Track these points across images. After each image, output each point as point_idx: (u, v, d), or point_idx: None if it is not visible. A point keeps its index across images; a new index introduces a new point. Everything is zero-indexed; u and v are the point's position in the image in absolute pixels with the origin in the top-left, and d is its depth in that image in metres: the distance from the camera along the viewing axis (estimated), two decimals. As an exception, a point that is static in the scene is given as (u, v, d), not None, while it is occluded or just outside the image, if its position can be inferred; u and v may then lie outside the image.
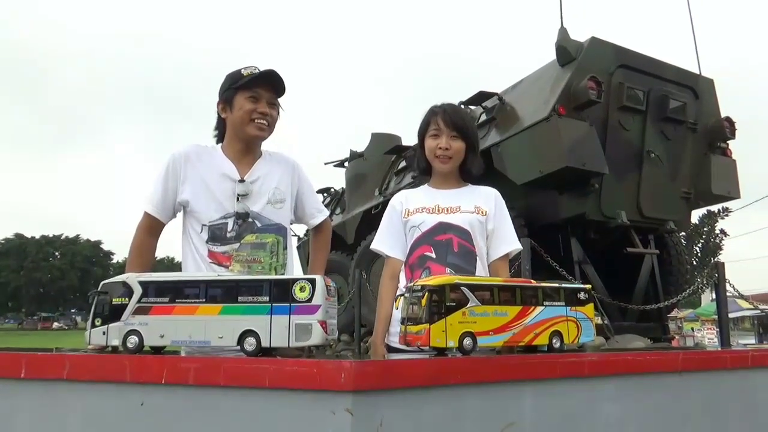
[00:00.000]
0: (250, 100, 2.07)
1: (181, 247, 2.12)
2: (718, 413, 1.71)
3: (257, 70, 2.08)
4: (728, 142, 5.80)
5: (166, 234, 2.19)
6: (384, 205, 2.27)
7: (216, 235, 2.04)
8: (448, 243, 2.00)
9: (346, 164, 8.67)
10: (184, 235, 2.12)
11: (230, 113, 2.11)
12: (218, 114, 2.17)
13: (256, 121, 2.07)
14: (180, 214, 2.14)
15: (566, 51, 4.97)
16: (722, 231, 23.99)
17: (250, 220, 2.05)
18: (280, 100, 2.16)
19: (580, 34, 5.13)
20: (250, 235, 1.96)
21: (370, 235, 6.73)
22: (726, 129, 5.64)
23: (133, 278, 1.37)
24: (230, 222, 2.04)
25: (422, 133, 2.12)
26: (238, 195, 2.06)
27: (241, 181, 2.08)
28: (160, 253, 2.24)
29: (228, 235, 2.03)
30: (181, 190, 2.08)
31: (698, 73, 5.70)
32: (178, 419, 1.23)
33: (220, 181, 2.07)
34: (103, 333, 1.35)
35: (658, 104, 5.28)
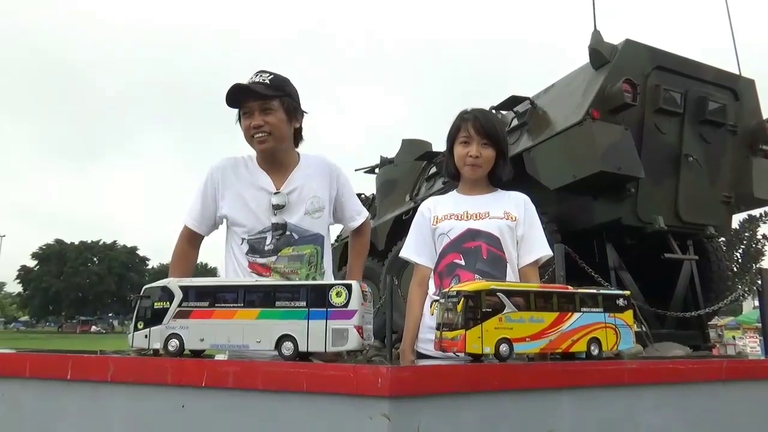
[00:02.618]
0: (245, 116, 2.06)
1: (224, 257, 2.15)
2: (763, 424, 1.66)
3: (252, 79, 2.04)
4: (771, 144, 5.62)
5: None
6: (415, 210, 2.25)
7: (255, 248, 2.04)
8: (477, 250, 1.98)
9: (376, 170, 8.71)
10: (227, 246, 2.14)
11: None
12: None
13: (254, 136, 2.05)
14: (222, 226, 2.18)
15: (600, 54, 4.90)
16: (764, 236, 23.20)
17: (287, 232, 2.04)
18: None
19: (614, 37, 5.06)
20: (287, 248, 1.97)
21: (401, 241, 6.72)
22: (768, 131, 5.47)
23: (173, 283, 1.41)
24: (268, 236, 2.04)
25: (452, 139, 2.10)
26: (275, 207, 2.05)
27: (277, 192, 2.07)
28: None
29: (266, 248, 2.03)
30: (221, 205, 2.10)
31: (738, 73, 5.55)
32: (218, 421, 1.25)
33: (256, 195, 2.07)
34: (146, 336, 1.38)
35: (696, 106, 5.16)
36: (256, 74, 2.06)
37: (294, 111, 2.11)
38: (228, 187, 2.10)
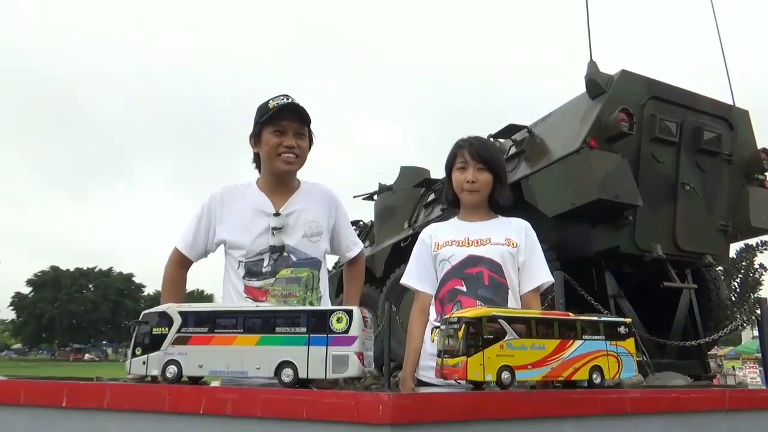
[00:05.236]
0: (276, 134, 2.06)
1: (222, 283, 2.15)
2: (768, 455, 1.63)
3: (284, 101, 2.06)
4: (766, 174, 5.67)
5: (195, 267, 2.23)
6: (413, 237, 2.27)
7: (252, 270, 2.04)
8: (478, 276, 1.99)
9: (374, 197, 8.74)
10: (225, 272, 2.14)
11: (260, 148, 2.12)
12: (252, 148, 2.19)
13: (282, 155, 2.07)
14: (213, 254, 2.18)
15: (596, 84, 4.96)
16: (761, 265, 23.22)
17: (285, 254, 2.04)
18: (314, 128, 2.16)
19: (610, 67, 5.14)
20: (285, 269, 1.97)
21: (399, 268, 6.72)
22: (763, 160, 5.52)
23: (173, 308, 1.39)
24: (266, 257, 2.04)
25: (449, 167, 2.13)
26: (273, 228, 2.05)
27: (276, 214, 2.08)
28: (190, 285, 2.27)
29: (264, 270, 2.03)
30: (219, 230, 2.10)
31: (732, 104, 5.63)
32: (215, 450, 1.23)
33: (254, 217, 2.08)
34: (143, 362, 1.36)
35: (692, 136, 5.22)
36: (285, 96, 2.09)
37: (312, 141, 2.18)
38: (227, 211, 2.11)
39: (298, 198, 2.15)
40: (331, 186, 2.31)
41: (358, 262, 2.40)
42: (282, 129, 2.06)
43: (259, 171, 2.21)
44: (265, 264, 2.03)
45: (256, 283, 2.03)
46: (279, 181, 2.15)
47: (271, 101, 2.08)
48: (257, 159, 2.20)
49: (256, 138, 2.13)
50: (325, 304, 2.08)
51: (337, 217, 2.24)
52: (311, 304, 1.62)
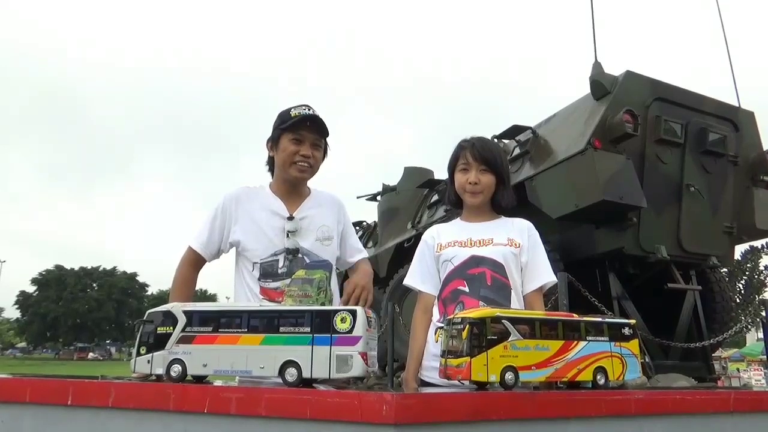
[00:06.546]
0: (294, 142, 2.12)
1: (234, 285, 2.17)
2: (773, 458, 1.63)
3: (306, 111, 2.13)
4: (772, 175, 5.65)
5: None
6: (416, 238, 2.28)
7: (267, 271, 2.08)
8: (481, 276, 1.98)
9: (378, 198, 8.75)
10: (237, 273, 2.17)
11: (276, 153, 2.17)
12: (268, 151, 2.24)
13: (298, 163, 2.12)
14: (225, 255, 2.20)
15: (601, 85, 4.96)
16: (767, 267, 23.12)
17: (300, 255, 2.09)
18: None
19: (615, 68, 5.12)
20: (300, 270, 1.98)
21: (402, 269, 6.73)
22: (769, 162, 5.50)
23: (177, 308, 1.40)
24: (281, 258, 2.08)
25: (452, 168, 2.13)
26: (288, 231, 2.10)
27: (290, 218, 2.13)
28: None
29: (279, 271, 2.07)
30: (233, 231, 2.14)
31: (738, 105, 5.61)
32: (220, 449, 1.23)
33: (269, 219, 2.12)
34: (148, 361, 1.37)
35: (697, 137, 5.21)
36: (306, 107, 2.14)
37: (327, 153, 2.25)
38: (242, 213, 2.15)
39: (310, 203, 2.21)
40: (335, 187, 2.36)
41: (361, 265, 2.40)
42: (300, 138, 2.12)
43: (272, 174, 2.26)
44: (281, 265, 2.08)
45: (272, 284, 2.06)
46: (291, 187, 2.20)
47: (293, 110, 2.14)
48: (271, 162, 2.24)
49: (273, 142, 2.19)
50: (336, 306, 2.09)
51: (344, 223, 2.30)
52: (322, 305, 1.63)
